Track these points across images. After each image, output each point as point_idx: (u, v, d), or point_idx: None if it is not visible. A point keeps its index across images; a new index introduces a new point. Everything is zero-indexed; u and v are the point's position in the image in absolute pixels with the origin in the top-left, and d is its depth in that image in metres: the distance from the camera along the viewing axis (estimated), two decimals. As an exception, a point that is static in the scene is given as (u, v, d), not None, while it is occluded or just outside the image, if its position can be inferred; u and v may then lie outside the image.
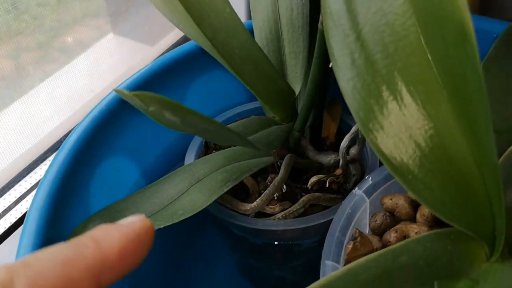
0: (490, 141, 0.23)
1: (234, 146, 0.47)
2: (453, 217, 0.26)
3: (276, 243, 0.46)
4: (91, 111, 0.46)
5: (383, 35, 0.26)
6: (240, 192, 0.47)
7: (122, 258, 0.22)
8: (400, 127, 0.27)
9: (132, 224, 0.23)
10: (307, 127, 0.50)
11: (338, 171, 0.45)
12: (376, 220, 0.37)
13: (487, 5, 0.66)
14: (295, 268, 0.50)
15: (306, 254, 0.48)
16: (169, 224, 0.38)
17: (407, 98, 0.26)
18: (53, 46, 0.61)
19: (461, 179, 0.26)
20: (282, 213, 0.44)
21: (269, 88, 0.42)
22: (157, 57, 0.70)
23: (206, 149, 0.51)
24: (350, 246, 0.33)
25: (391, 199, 0.37)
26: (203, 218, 0.43)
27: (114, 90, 0.29)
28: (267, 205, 0.44)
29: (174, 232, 0.38)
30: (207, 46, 0.39)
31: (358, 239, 0.33)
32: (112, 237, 0.22)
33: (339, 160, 0.45)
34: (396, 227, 0.35)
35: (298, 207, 0.43)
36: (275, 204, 0.44)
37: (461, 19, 0.20)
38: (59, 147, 0.43)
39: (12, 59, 0.55)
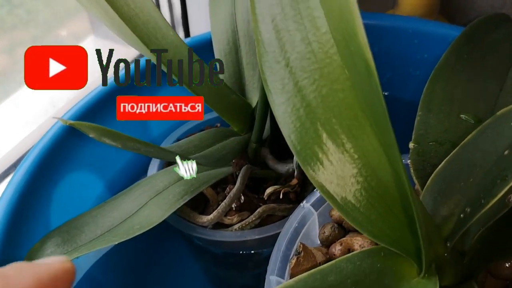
0: (402, 168, 0.24)
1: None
2: (378, 236, 0.27)
3: (236, 252, 0.47)
4: (52, 127, 0.46)
5: (309, 62, 0.27)
6: (201, 202, 0.48)
7: None
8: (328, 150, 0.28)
9: (50, 265, 0.23)
10: (269, 135, 0.51)
11: (294, 181, 0.46)
12: (324, 232, 0.38)
13: (448, 7, 0.67)
14: (257, 276, 0.51)
15: (267, 262, 0.49)
16: (125, 239, 0.39)
17: (335, 122, 0.27)
18: (47, 40, 0.60)
19: (386, 200, 0.27)
20: (239, 224, 0.44)
21: (221, 102, 0.43)
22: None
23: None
24: (293, 261, 0.34)
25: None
26: (167, 227, 0.44)
27: (56, 118, 0.30)
28: (226, 216, 0.45)
29: (138, 240, 0.39)
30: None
31: (302, 253, 0.34)
32: (24, 277, 0.21)
33: (296, 169, 0.46)
34: (341, 239, 0.36)
35: (254, 218, 0.44)
36: (234, 215, 0.45)
37: (366, 58, 0.21)
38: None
39: (7, 54, 0.55)
